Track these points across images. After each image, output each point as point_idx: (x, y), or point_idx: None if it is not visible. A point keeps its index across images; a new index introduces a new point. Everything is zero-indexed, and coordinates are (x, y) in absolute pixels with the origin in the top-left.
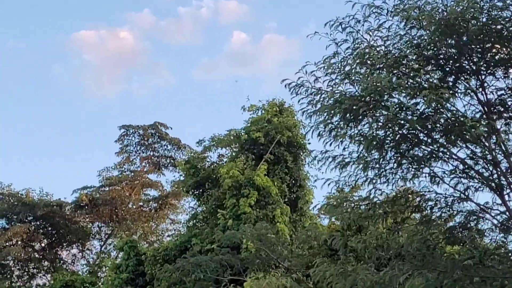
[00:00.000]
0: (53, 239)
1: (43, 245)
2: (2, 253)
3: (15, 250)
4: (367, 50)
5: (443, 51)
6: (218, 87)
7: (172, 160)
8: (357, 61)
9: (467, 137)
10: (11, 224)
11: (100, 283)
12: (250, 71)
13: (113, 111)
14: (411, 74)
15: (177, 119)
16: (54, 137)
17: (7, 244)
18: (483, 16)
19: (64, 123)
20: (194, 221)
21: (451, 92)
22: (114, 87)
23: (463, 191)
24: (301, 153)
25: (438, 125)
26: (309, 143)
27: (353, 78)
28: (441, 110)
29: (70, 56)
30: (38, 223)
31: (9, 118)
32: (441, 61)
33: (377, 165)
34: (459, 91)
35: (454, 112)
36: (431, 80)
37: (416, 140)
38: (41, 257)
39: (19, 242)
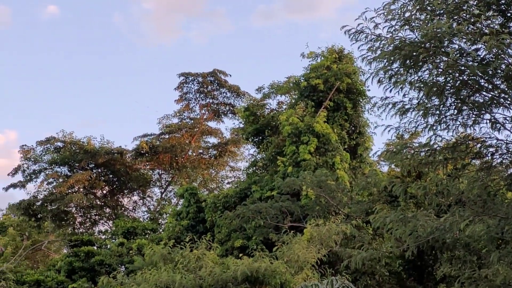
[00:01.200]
0: (114, 186)
1: (104, 192)
2: (65, 200)
3: (77, 197)
4: None
5: None
6: (276, 34)
7: (231, 108)
8: (417, 7)
9: None
10: (73, 172)
11: (161, 230)
12: (308, 18)
13: (172, 59)
14: (472, 20)
15: (236, 66)
16: (114, 85)
17: (69, 191)
18: None
19: (124, 70)
20: (254, 168)
21: None
22: (172, 35)
23: None
24: (361, 100)
25: (499, 71)
26: (369, 90)
27: (413, 24)
28: (502, 55)
29: (130, 4)
30: (99, 170)
31: (72, 65)
32: (502, 6)
33: (437, 112)
34: None
35: None
36: (492, 25)
37: (476, 86)
38: (102, 204)
39: (81, 189)
